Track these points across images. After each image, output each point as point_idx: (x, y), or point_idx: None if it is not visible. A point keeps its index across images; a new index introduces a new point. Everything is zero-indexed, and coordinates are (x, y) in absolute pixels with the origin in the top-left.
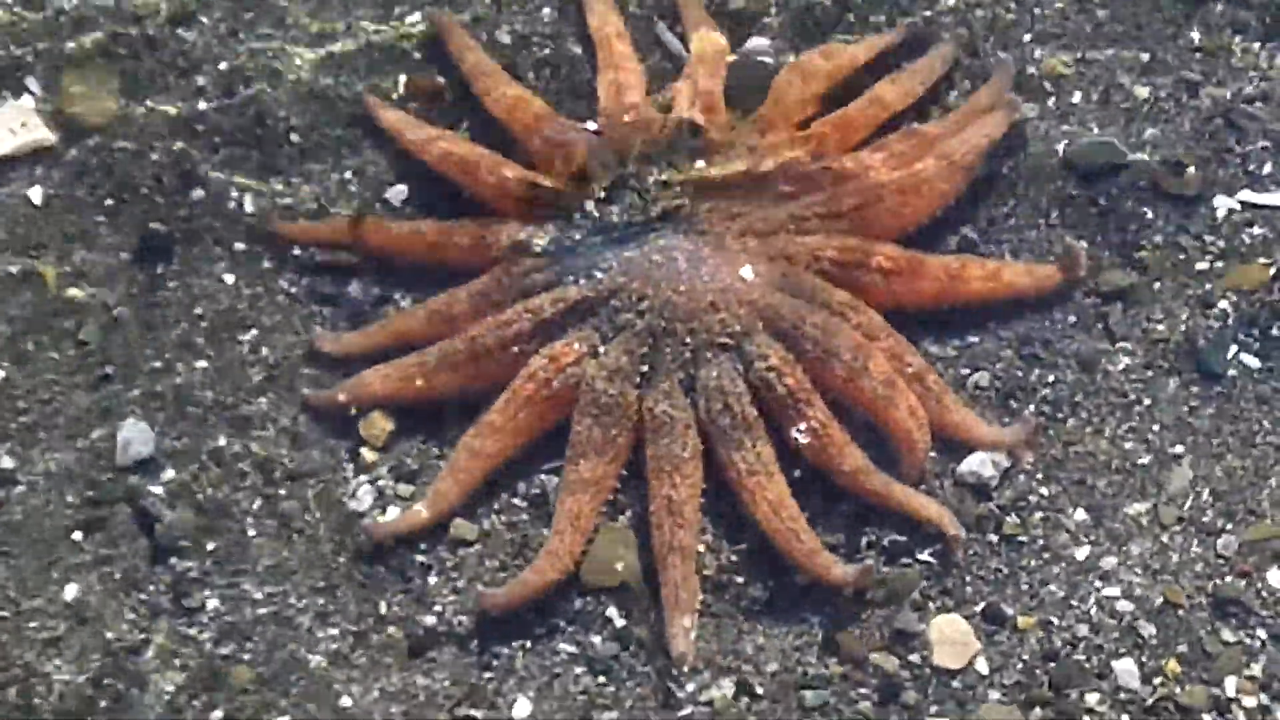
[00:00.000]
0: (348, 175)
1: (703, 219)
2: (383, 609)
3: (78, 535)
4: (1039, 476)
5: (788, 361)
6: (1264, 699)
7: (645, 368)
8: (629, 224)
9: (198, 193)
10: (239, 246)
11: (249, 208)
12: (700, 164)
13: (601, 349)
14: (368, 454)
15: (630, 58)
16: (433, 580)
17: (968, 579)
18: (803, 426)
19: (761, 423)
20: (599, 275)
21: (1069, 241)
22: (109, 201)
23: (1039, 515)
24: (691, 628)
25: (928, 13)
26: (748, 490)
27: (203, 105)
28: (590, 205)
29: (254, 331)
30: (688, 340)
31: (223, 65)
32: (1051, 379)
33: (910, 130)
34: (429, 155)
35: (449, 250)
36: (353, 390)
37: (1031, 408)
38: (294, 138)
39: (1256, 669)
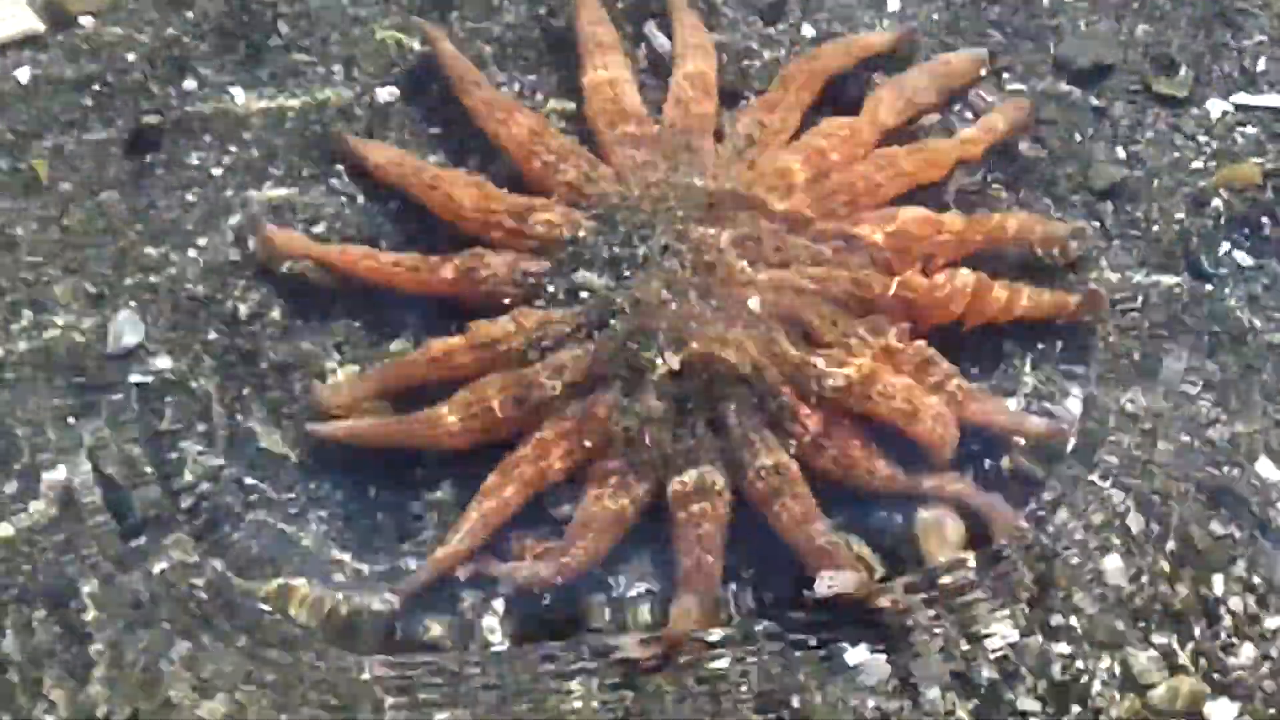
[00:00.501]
0: (335, 69)
1: (709, 247)
2: (371, 493)
3: (71, 420)
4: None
5: (799, 397)
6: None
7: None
8: (633, 257)
9: (189, 83)
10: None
11: (240, 100)
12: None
13: (634, 397)
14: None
15: (620, 55)
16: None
17: None
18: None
19: (778, 448)
20: (613, 323)
21: (1093, 287)
22: (97, 88)
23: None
24: (694, 608)
25: None
26: (772, 511)
27: None
28: (584, 232)
29: (237, 217)
30: (705, 375)
31: None
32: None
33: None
34: (417, 187)
35: (440, 285)
36: (358, 432)
37: None
38: (283, 28)
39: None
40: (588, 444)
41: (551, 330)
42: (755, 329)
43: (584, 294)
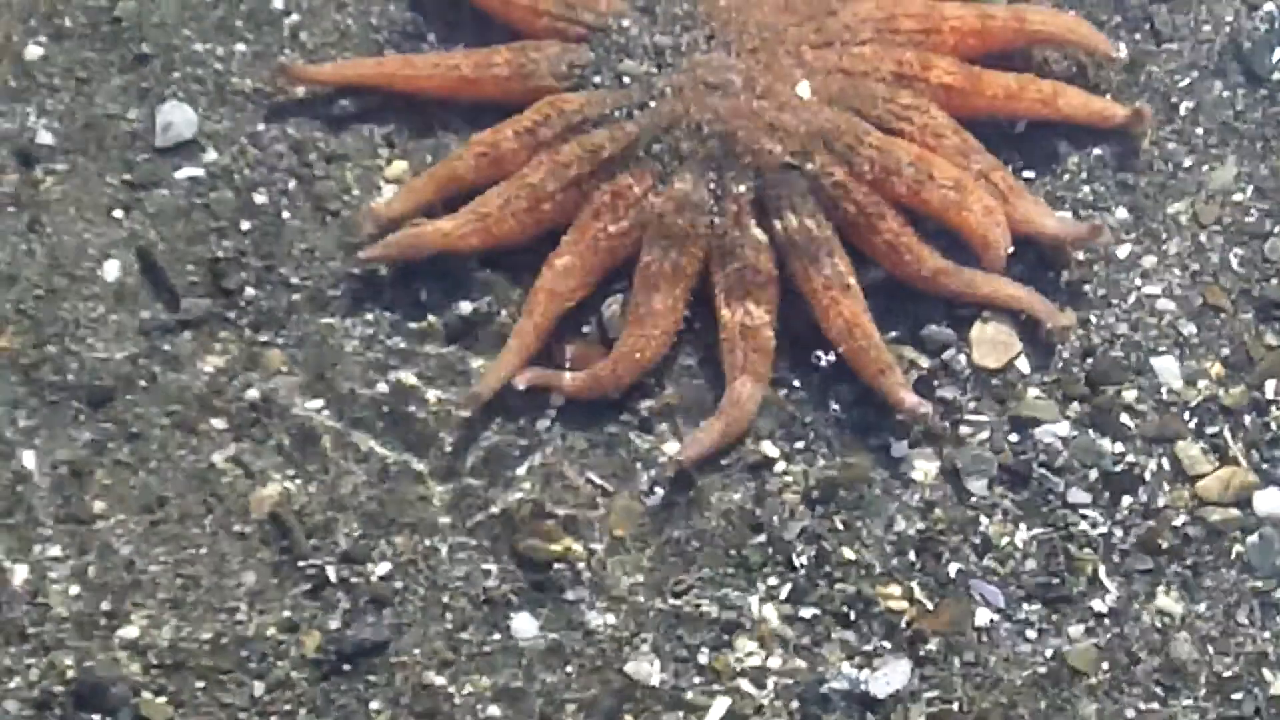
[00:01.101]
0: None
1: (752, 33)
2: (422, 295)
3: (118, 214)
4: (1083, 175)
5: (852, 178)
6: None
7: (713, 194)
8: (675, 44)
9: None
10: None
11: None
12: None
13: (666, 181)
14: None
15: None
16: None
17: None
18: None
19: (836, 238)
20: (653, 105)
21: (1139, 105)
22: None
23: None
24: (717, 442)
25: None
26: (822, 306)
27: None
28: (629, 22)
29: (294, 16)
30: (750, 163)
31: None
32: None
33: None
34: None
35: (486, 84)
36: (411, 243)
37: None
38: None
39: None
40: (626, 224)
41: (591, 112)
42: (806, 113)
43: (627, 80)
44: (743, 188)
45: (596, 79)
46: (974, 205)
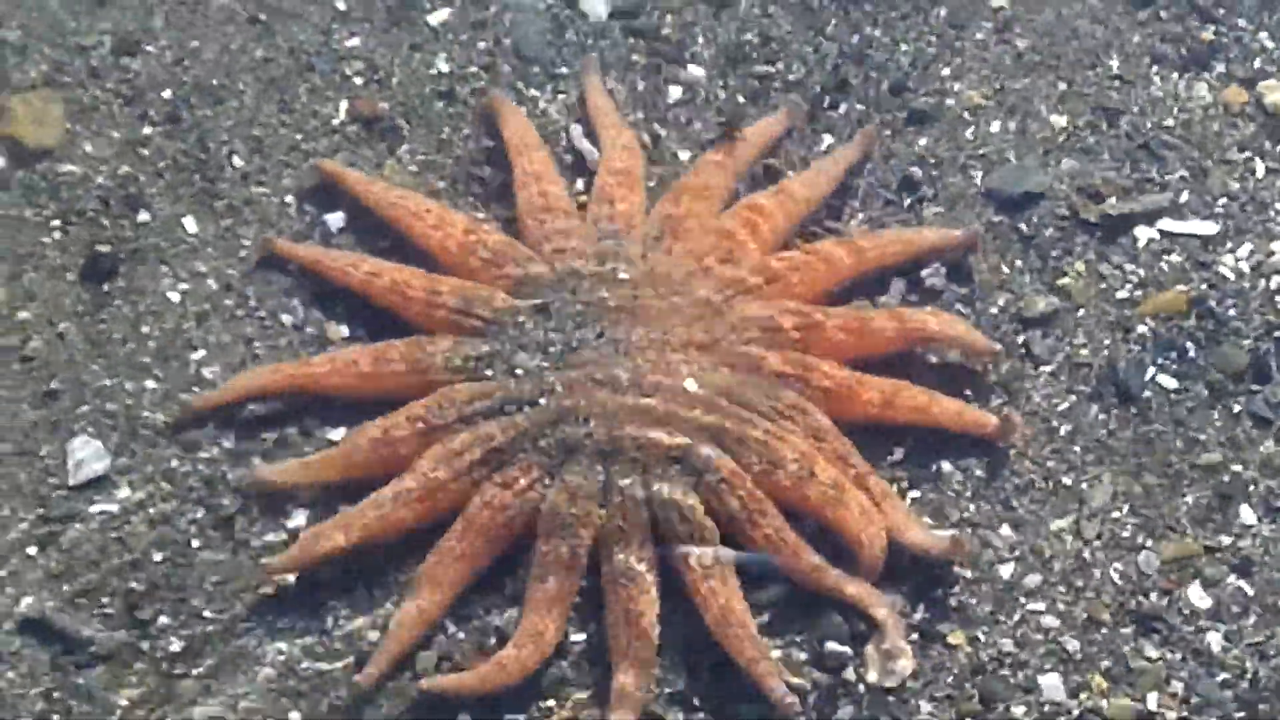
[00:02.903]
0: (288, 200)
1: (641, 332)
2: (329, 623)
3: (32, 550)
4: (968, 494)
5: (736, 473)
6: (1184, 713)
7: (602, 486)
8: (567, 341)
9: (143, 215)
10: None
11: (192, 229)
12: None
13: (555, 474)
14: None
15: (548, 163)
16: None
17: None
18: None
19: (715, 530)
20: (543, 401)
21: (1008, 412)
22: (56, 222)
23: (967, 532)
24: (633, 689)
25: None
26: (700, 594)
27: (147, 130)
28: (524, 317)
29: (201, 352)
30: (637, 455)
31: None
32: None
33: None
34: (356, 278)
35: (384, 379)
36: (310, 548)
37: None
38: (236, 162)
39: (1178, 685)
40: (512, 516)
41: (481, 405)
42: (691, 408)
43: (519, 373)
44: (628, 480)
45: (489, 371)
46: (851, 505)
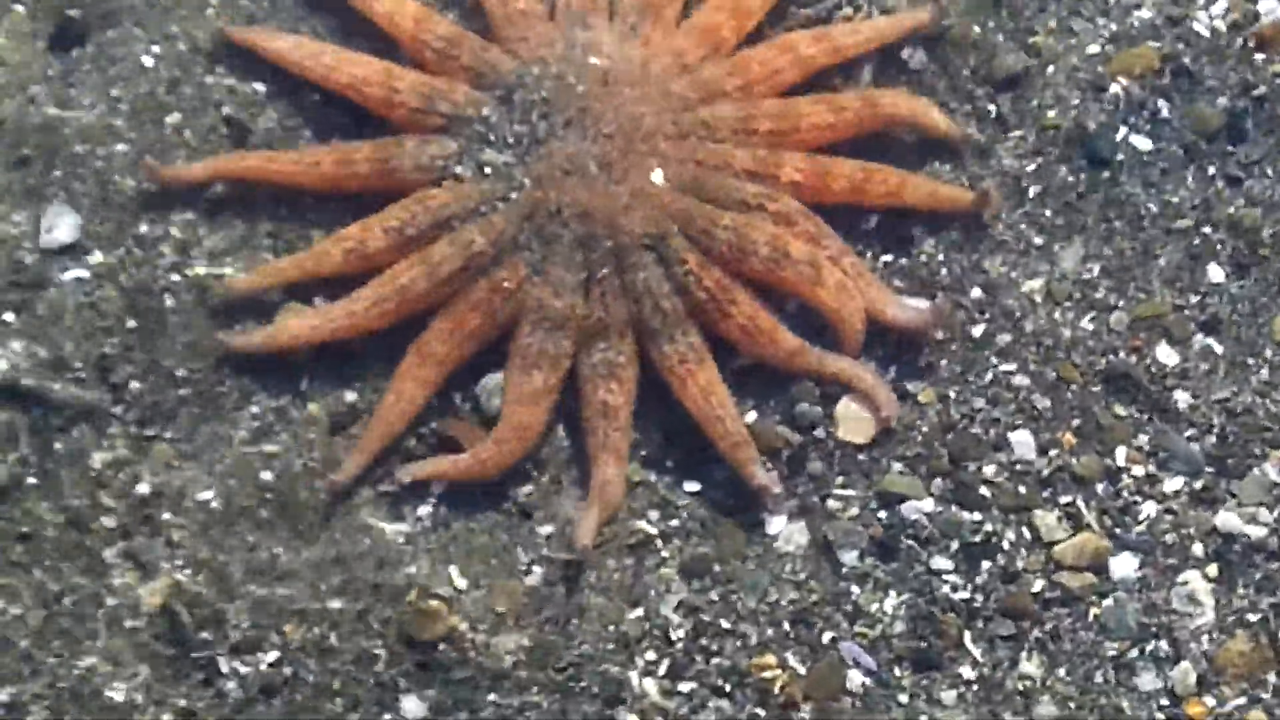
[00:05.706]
0: None
1: (609, 121)
2: (303, 385)
3: (7, 316)
4: (940, 258)
5: (704, 264)
6: (1151, 468)
7: (582, 277)
8: (534, 133)
9: None
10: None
11: None
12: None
13: (540, 269)
14: None
15: None
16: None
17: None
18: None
19: (686, 317)
20: (514, 196)
21: (986, 184)
22: None
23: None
24: (598, 526)
25: None
26: (678, 378)
27: None
28: (488, 110)
29: (177, 115)
30: (610, 244)
31: None
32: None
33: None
34: (315, 73)
35: (349, 180)
36: (275, 337)
37: None
38: None
39: (1145, 440)
40: (500, 316)
41: (456, 208)
42: (659, 198)
43: (488, 171)
44: (605, 270)
45: (459, 170)
46: (829, 282)
